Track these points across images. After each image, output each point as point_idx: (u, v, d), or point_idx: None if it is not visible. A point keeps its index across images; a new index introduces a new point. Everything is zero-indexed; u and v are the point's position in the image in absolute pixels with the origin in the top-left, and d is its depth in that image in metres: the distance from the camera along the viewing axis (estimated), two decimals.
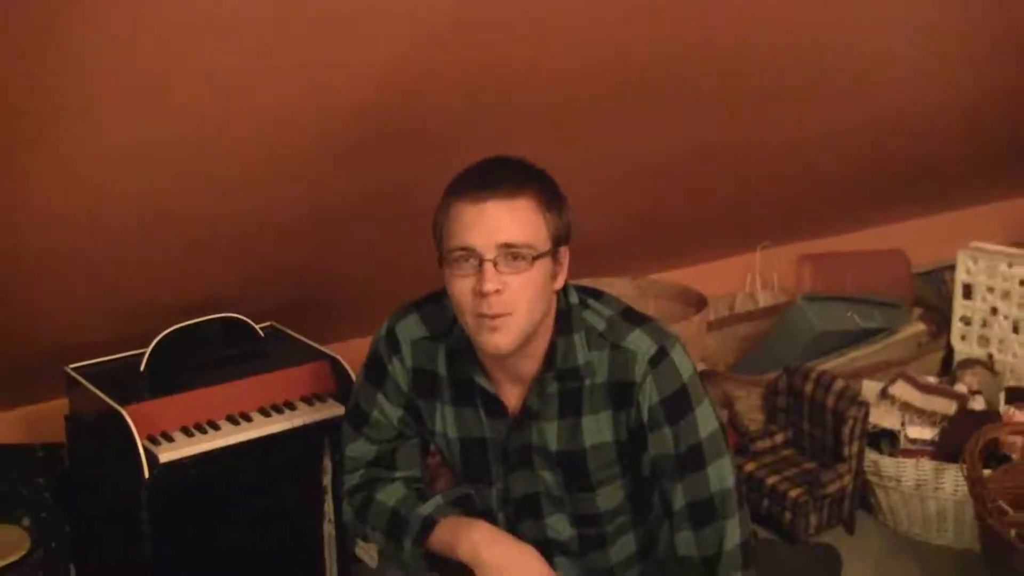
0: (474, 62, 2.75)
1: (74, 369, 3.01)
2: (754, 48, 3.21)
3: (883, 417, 3.66)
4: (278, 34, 2.41)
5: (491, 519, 2.39)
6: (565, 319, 2.28)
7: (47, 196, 2.60)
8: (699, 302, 4.00)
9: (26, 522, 3.06)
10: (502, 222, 2.12)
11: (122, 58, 2.29)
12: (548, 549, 2.38)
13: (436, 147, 2.61)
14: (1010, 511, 3.09)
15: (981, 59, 3.82)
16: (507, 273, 2.13)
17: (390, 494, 2.41)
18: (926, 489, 3.45)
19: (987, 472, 3.17)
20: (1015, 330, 4.05)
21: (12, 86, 2.24)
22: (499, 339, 2.16)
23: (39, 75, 2.24)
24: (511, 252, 2.13)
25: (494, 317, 2.14)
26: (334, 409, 2.99)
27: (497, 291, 2.12)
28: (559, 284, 2.25)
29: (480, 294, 2.12)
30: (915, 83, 3.81)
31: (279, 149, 2.78)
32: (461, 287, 2.16)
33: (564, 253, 2.24)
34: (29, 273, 2.81)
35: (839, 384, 3.59)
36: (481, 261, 2.12)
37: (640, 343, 2.26)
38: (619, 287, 3.93)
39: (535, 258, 2.15)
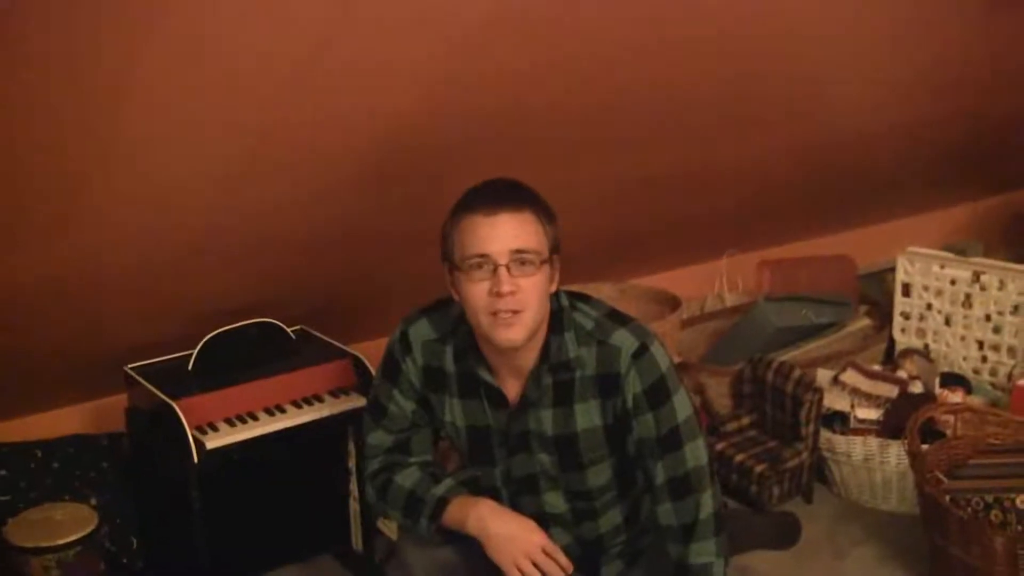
0: (476, 104, 2.75)
1: (132, 369, 3.01)
2: (724, 84, 3.20)
3: (835, 401, 3.64)
4: (300, 88, 2.42)
5: (496, 497, 2.39)
6: (557, 319, 2.28)
7: (109, 223, 2.59)
8: (674, 303, 3.98)
9: (94, 501, 3.06)
10: (512, 232, 2.15)
11: (173, 104, 2.29)
12: (545, 521, 2.37)
13: (440, 177, 2.61)
14: (944, 480, 3.08)
15: (917, 90, 3.81)
16: (518, 276, 2.15)
17: (407, 477, 2.39)
18: (873, 462, 3.44)
19: (925, 447, 3.16)
20: (947, 323, 4.04)
21: (86, 130, 2.25)
22: (513, 333, 2.17)
23: (103, 116, 2.24)
24: (521, 257, 2.15)
25: (508, 314, 2.15)
26: (356, 401, 2.97)
27: (512, 292, 2.13)
28: (553, 288, 2.26)
29: (497, 295, 2.14)
30: (861, 110, 3.79)
31: (307, 182, 2.77)
32: (477, 290, 2.16)
33: (557, 260, 2.26)
34: (94, 288, 2.79)
35: (796, 373, 3.58)
36: (496, 267, 2.14)
37: (624, 340, 2.26)
38: (604, 291, 3.91)
39: (541, 263, 2.17)
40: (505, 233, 2.14)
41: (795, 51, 3.22)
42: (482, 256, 2.15)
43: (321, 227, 2.98)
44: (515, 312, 2.15)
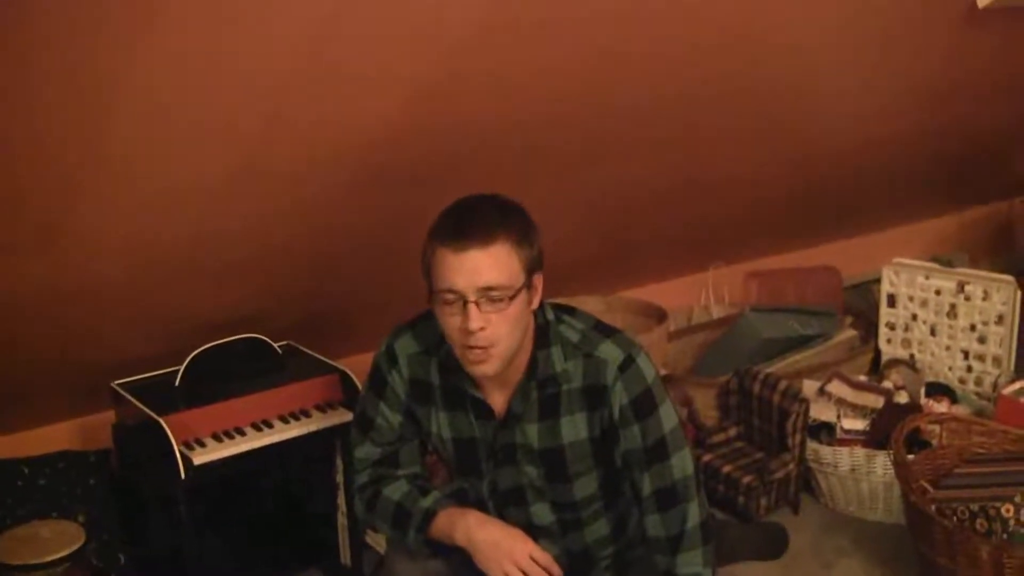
0: (465, 114, 2.76)
1: (119, 385, 3.00)
2: (711, 97, 3.22)
3: (821, 411, 3.66)
4: (291, 97, 2.43)
5: (483, 508, 2.39)
6: (543, 334, 2.28)
7: (98, 234, 2.59)
8: (660, 315, 4.00)
9: (81, 518, 3.05)
10: (481, 267, 2.12)
11: (161, 115, 2.30)
12: (532, 532, 2.37)
13: (429, 189, 2.61)
14: (930, 489, 3.10)
15: (901, 103, 3.84)
16: (489, 312, 2.13)
17: (395, 490, 2.40)
18: (859, 473, 3.45)
19: (911, 457, 3.19)
20: (932, 333, 4.07)
21: (78, 137, 2.26)
22: (486, 367, 2.19)
23: (96, 123, 2.25)
24: (490, 295, 2.13)
25: (479, 349, 2.15)
26: (344, 415, 2.97)
27: (482, 328, 2.13)
28: (534, 306, 2.25)
29: (467, 332, 2.13)
30: (846, 124, 3.82)
31: (297, 193, 2.79)
32: (450, 324, 2.17)
33: (538, 278, 2.23)
34: (81, 303, 2.79)
35: (783, 384, 3.59)
36: (466, 302, 2.13)
37: (610, 352, 2.26)
38: (591, 304, 3.93)
39: (512, 297, 2.15)
40: (473, 269, 2.11)
41: (780, 65, 3.25)
42: (452, 291, 2.14)
43: (308, 240, 2.99)
44: (486, 348, 2.15)
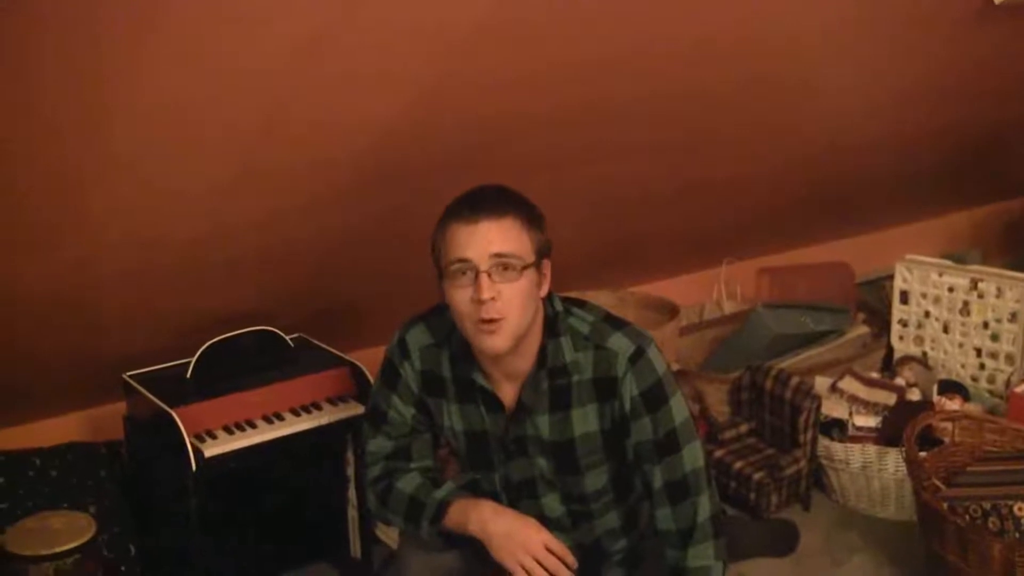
0: (472, 110, 2.77)
1: (130, 376, 3.01)
2: (723, 93, 3.22)
3: (833, 408, 3.66)
4: (292, 96, 2.44)
5: (496, 500, 2.39)
6: (552, 325, 2.29)
7: (107, 231, 2.60)
8: (672, 310, 3.99)
9: (92, 509, 3.04)
10: (493, 236, 2.15)
11: (166, 116, 2.31)
12: (542, 524, 2.35)
13: (437, 184, 2.61)
14: (942, 487, 3.08)
15: (913, 99, 3.83)
16: (500, 282, 2.15)
17: (408, 482, 2.40)
18: (871, 470, 3.45)
19: (923, 454, 3.18)
20: (945, 330, 4.06)
21: (83, 138, 2.27)
22: (496, 341, 2.18)
23: (100, 124, 2.26)
24: (502, 262, 2.15)
25: (491, 322, 2.15)
26: (355, 409, 2.98)
27: (492, 298, 2.14)
28: (543, 292, 2.26)
29: (478, 302, 2.14)
30: (858, 120, 3.81)
31: (305, 189, 2.79)
32: (460, 297, 2.17)
33: (546, 265, 2.26)
34: (92, 297, 2.81)
35: (795, 380, 3.59)
36: (477, 273, 2.14)
37: (620, 343, 2.26)
38: (602, 298, 3.92)
39: (523, 268, 2.17)
40: (485, 238, 2.14)
41: (792, 61, 3.24)
42: (463, 261, 2.15)
43: (319, 234, 2.99)
44: (497, 320, 2.16)
